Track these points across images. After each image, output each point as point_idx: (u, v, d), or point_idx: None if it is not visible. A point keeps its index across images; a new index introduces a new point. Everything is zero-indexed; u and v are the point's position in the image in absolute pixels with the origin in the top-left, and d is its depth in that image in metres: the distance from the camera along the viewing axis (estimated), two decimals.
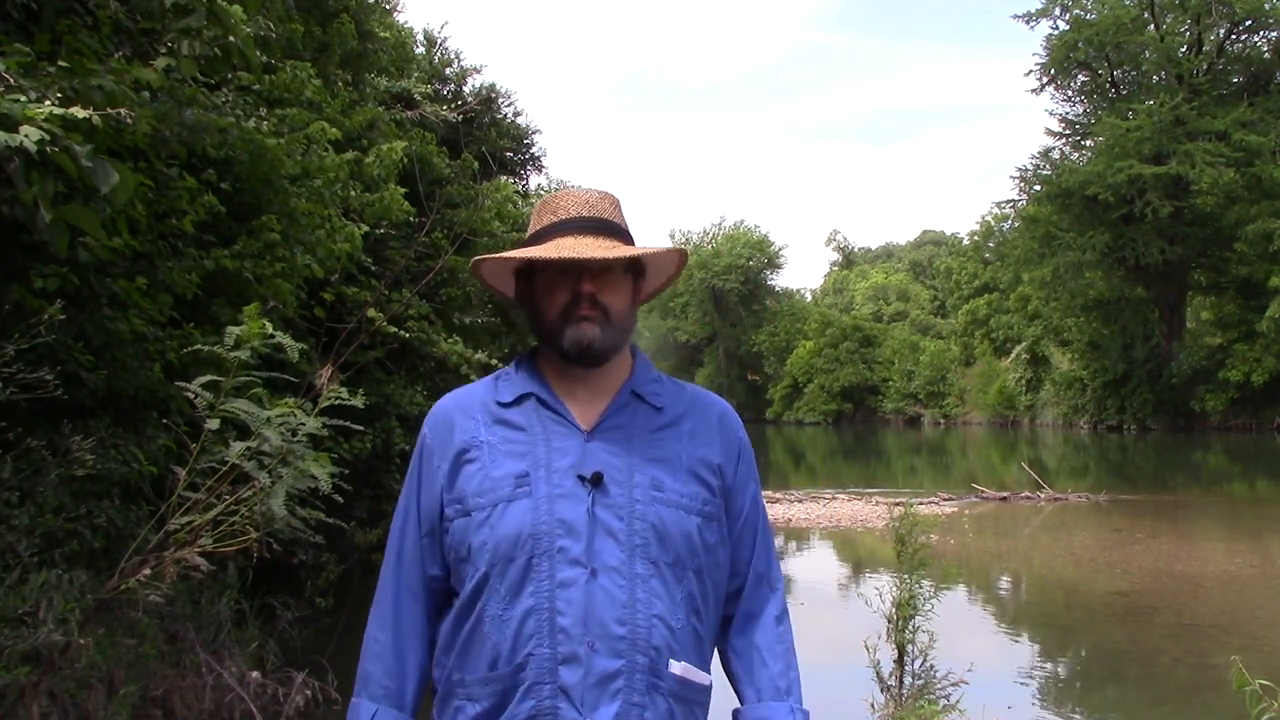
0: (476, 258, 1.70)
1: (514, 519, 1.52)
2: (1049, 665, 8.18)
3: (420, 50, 17.88)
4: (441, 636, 1.61)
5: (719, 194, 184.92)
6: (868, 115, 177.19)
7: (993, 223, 52.58)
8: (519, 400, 1.63)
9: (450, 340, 9.23)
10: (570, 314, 1.59)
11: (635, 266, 1.68)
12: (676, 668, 1.53)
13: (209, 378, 3.24)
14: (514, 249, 1.71)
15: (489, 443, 1.59)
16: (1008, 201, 48.14)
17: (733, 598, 1.70)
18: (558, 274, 1.61)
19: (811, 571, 12.78)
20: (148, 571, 3.24)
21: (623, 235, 1.66)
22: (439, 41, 19.74)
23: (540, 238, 1.65)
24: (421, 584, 1.63)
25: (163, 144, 4.47)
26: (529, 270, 1.67)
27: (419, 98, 13.43)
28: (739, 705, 1.68)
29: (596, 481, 1.54)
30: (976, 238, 58.50)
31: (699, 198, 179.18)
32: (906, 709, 5.56)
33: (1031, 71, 44.65)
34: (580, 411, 1.62)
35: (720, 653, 1.71)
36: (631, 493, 1.56)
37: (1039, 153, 45.74)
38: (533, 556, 1.50)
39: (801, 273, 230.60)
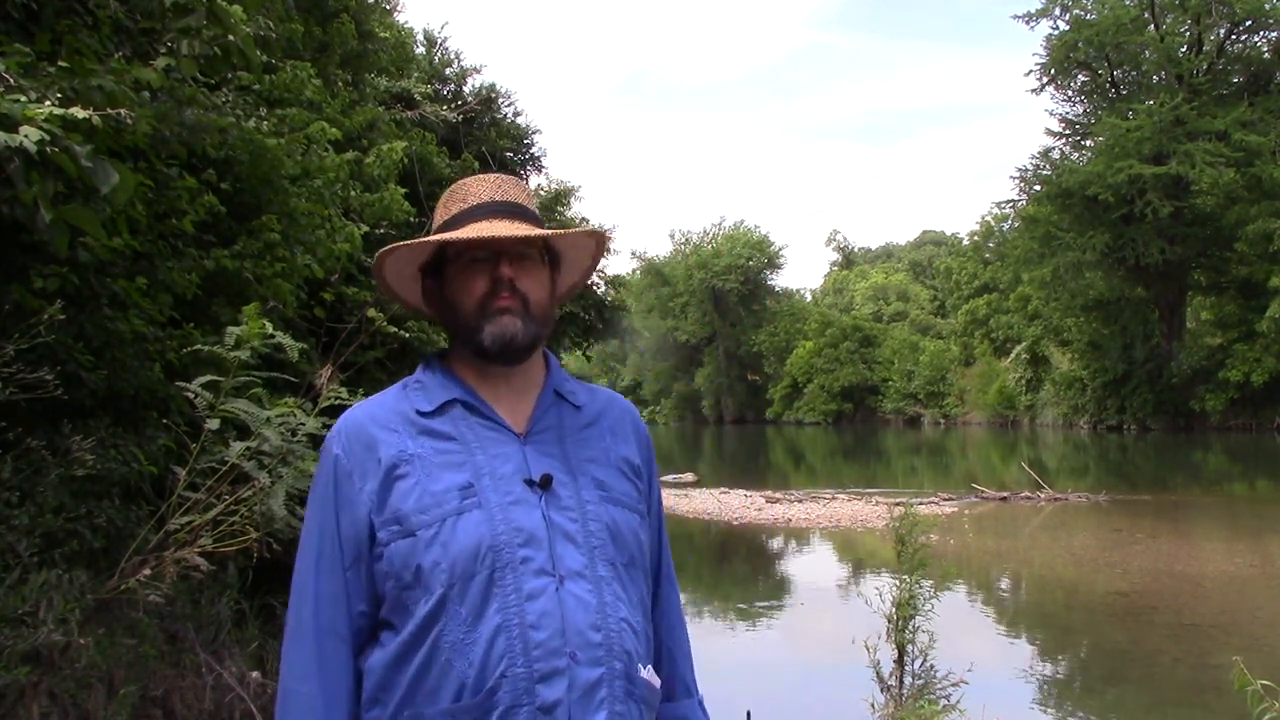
0: (383, 249, 1.56)
1: (469, 532, 1.40)
2: (1049, 665, 8.18)
3: (420, 50, 17.88)
4: (375, 677, 1.43)
5: (719, 194, 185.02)
6: (868, 115, 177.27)
7: (993, 223, 52.62)
8: (442, 408, 1.50)
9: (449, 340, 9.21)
10: (488, 305, 1.49)
11: (551, 257, 1.60)
12: (644, 672, 1.48)
13: (209, 378, 3.24)
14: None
15: (419, 455, 1.45)
16: (1008, 201, 48.23)
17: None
18: (472, 262, 1.51)
19: (811, 571, 12.78)
20: (148, 571, 3.24)
21: (536, 220, 1.58)
22: (439, 41, 19.75)
23: (449, 227, 1.55)
24: (347, 625, 1.44)
25: (163, 144, 4.47)
26: (438, 267, 1.57)
27: (419, 98, 13.44)
28: None
29: (546, 485, 1.46)
30: (976, 238, 58.52)
31: (699, 198, 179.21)
32: (906, 709, 5.56)
33: (1031, 71, 44.75)
34: (508, 414, 1.52)
35: None
36: (580, 494, 1.49)
37: (1039, 153, 45.82)
38: (494, 570, 1.39)
39: (801, 273, 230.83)
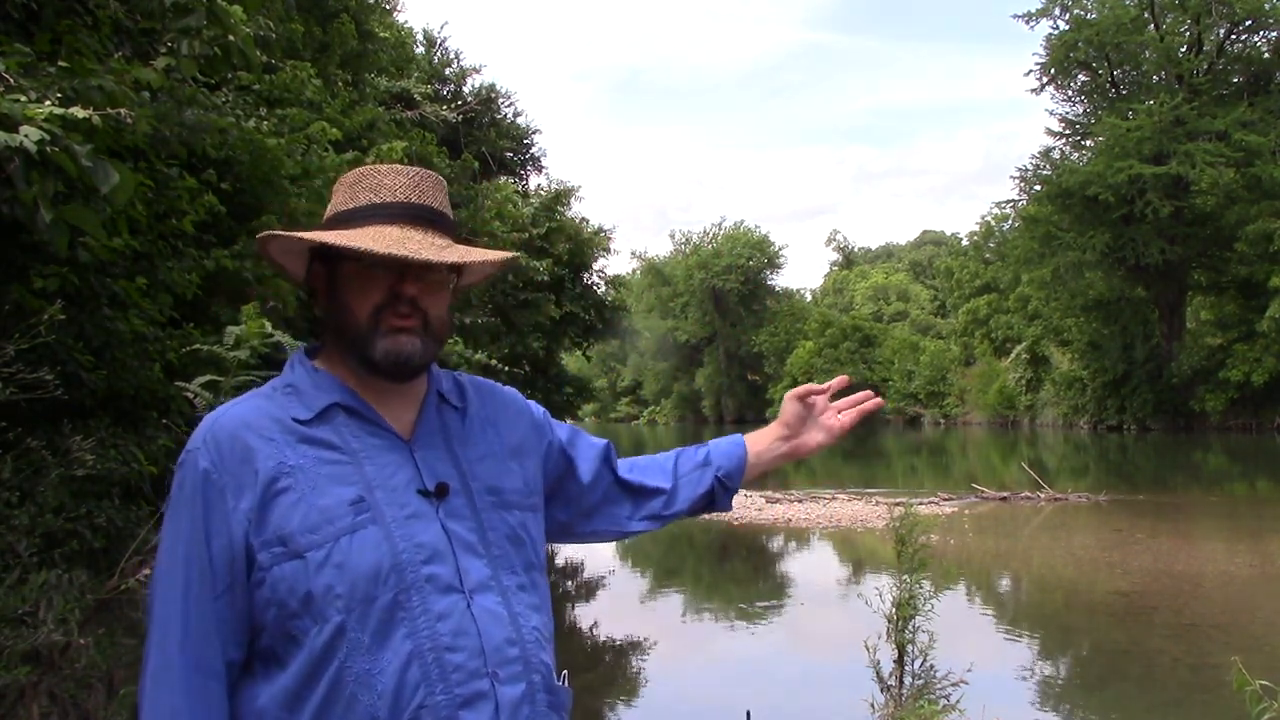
0: (266, 233, 1.40)
1: (366, 552, 1.26)
2: (1049, 665, 8.18)
3: (420, 50, 17.89)
4: (267, 714, 1.27)
5: (719, 194, 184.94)
6: (868, 115, 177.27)
7: (993, 223, 52.65)
8: (322, 414, 1.34)
9: (450, 340, 9.24)
10: (384, 319, 1.34)
11: (456, 266, 1.42)
12: (561, 679, 1.41)
13: (209, 377, 3.25)
14: (317, 228, 1.42)
15: (300, 467, 1.29)
16: (1008, 201, 48.31)
17: (612, 482, 1.65)
18: (371, 267, 1.33)
19: (811, 572, 12.78)
20: (147, 571, 3.24)
21: (452, 228, 1.42)
22: (439, 41, 19.76)
23: (353, 219, 1.37)
24: (221, 661, 1.27)
25: (163, 144, 4.47)
26: (329, 253, 1.38)
27: (419, 98, 13.44)
28: (675, 487, 1.66)
29: (442, 494, 1.34)
30: (976, 238, 58.55)
31: (699, 198, 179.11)
32: (906, 709, 5.56)
33: (1031, 71, 44.78)
34: (394, 419, 1.38)
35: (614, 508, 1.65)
36: (474, 500, 1.38)
37: (1039, 153, 45.88)
38: (398, 592, 1.26)
39: (801, 273, 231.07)
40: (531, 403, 1.62)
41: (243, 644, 1.29)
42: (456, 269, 1.43)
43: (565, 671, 1.43)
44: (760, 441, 1.75)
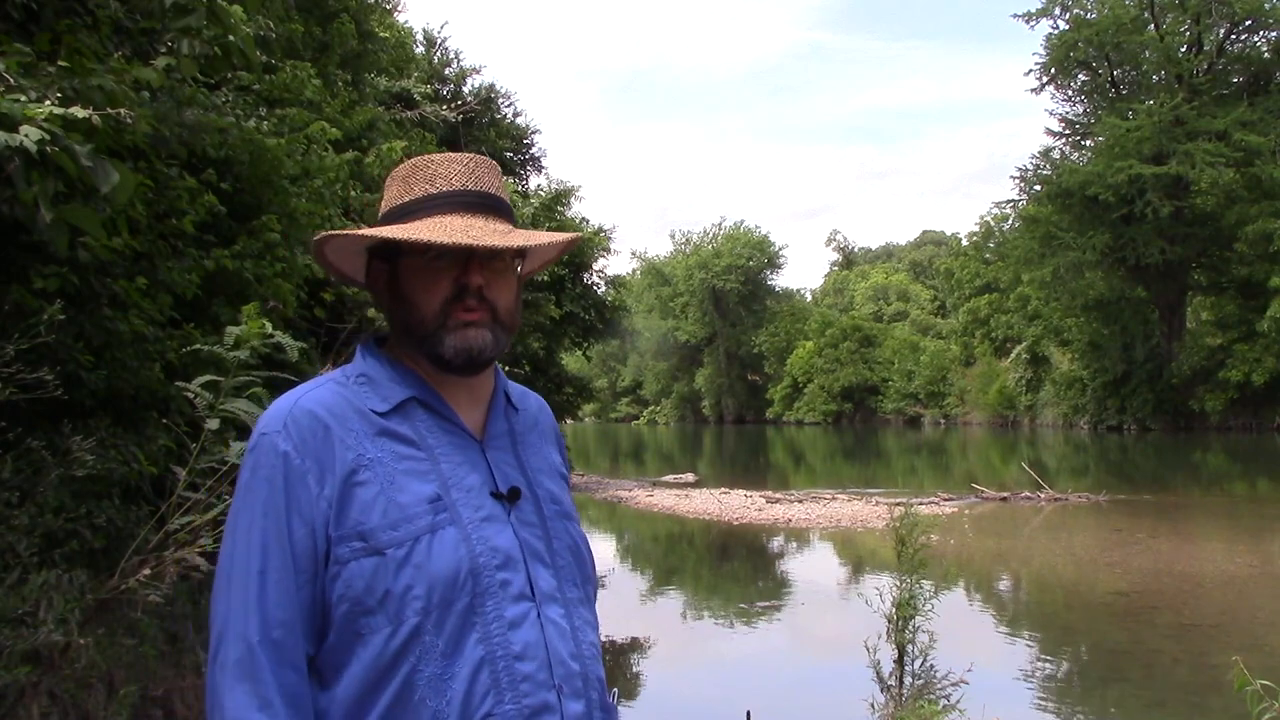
0: (322, 235, 1.36)
1: (446, 554, 1.22)
2: (1049, 665, 8.17)
3: (420, 50, 17.90)
4: (330, 716, 1.22)
5: (719, 194, 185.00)
6: (867, 115, 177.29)
7: (992, 223, 52.66)
8: (399, 407, 1.30)
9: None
10: (452, 313, 1.30)
11: (520, 251, 1.38)
12: (612, 696, 1.38)
13: (209, 378, 3.25)
14: (375, 225, 1.37)
15: (380, 460, 1.25)
16: (1008, 201, 48.32)
17: None
18: (435, 259, 1.30)
19: (812, 572, 12.78)
20: (148, 571, 3.24)
21: (511, 215, 1.38)
22: (439, 41, 19.78)
23: (411, 212, 1.33)
24: (303, 653, 1.22)
25: (163, 144, 4.47)
26: (390, 250, 1.34)
27: (419, 98, 13.44)
28: None
29: (514, 498, 1.31)
30: (976, 238, 58.58)
31: (699, 198, 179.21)
32: (906, 709, 5.56)
33: (1032, 71, 44.79)
34: (465, 417, 1.34)
35: None
36: (541, 509, 1.35)
37: (1039, 153, 45.91)
38: (474, 597, 1.23)
39: (801, 273, 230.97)
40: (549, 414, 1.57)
41: (316, 639, 1.23)
42: (520, 255, 1.39)
43: (615, 690, 1.43)
44: None
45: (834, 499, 18.21)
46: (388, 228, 1.32)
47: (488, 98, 22.16)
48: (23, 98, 2.72)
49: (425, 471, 1.27)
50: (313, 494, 1.22)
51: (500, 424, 1.38)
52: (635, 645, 8.75)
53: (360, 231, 1.34)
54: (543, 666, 1.24)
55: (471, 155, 1.39)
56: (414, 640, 1.20)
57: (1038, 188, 44.47)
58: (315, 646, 1.23)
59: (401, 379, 1.32)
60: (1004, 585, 11.79)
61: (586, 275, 22.56)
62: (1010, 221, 48.85)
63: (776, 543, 14.73)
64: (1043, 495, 18.08)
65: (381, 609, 1.20)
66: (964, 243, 64.90)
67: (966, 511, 16.75)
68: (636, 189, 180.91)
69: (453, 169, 1.35)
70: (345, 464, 1.24)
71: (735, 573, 12.87)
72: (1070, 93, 45.98)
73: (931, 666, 6.13)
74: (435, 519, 1.24)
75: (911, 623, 6.21)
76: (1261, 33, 40.85)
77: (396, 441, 1.28)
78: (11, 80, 2.83)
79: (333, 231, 1.37)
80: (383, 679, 1.20)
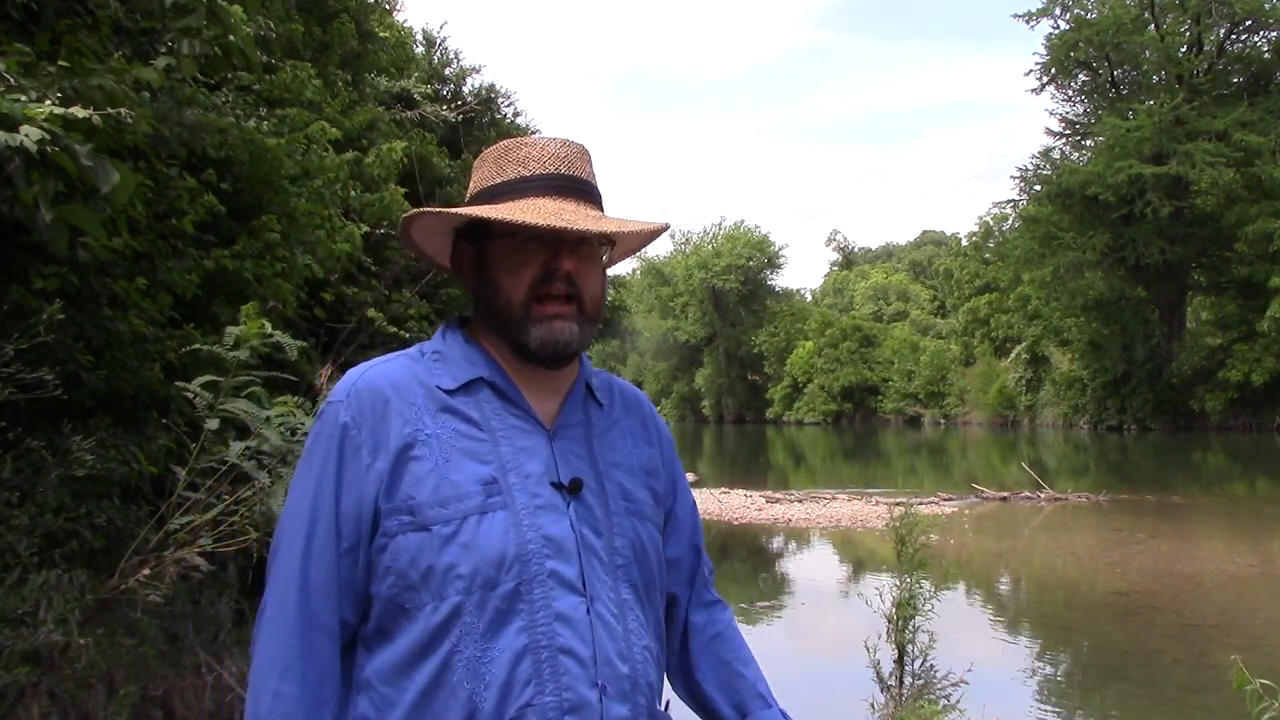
0: (413, 211, 1.34)
1: (494, 536, 1.20)
2: (1049, 665, 8.17)
3: (420, 50, 17.90)
4: (371, 693, 1.23)
5: (719, 194, 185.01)
6: (868, 115, 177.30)
7: (991, 223, 52.66)
8: (466, 386, 1.29)
9: None
10: (540, 302, 1.28)
11: (607, 238, 1.35)
12: (664, 705, 1.35)
13: (208, 378, 3.25)
14: (469, 204, 1.35)
15: (438, 436, 1.24)
16: (1008, 201, 48.36)
17: (675, 604, 1.49)
18: (525, 242, 1.28)
19: (811, 571, 12.78)
20: (148, 571, 3.24)
21: (600, 200, 1.36)
22: (439, 41, 19.76)
23: (503, 194, 1.30)
24: (337, 621, 1.23)
25: (163, 144, 4.47)
26: (478, 231, 1.32)
27: (419, 98, 13.44)
28: None
29: (576, 490, 1.28)
30: (976, 238, 58.58)
31: (699, 198, 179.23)
32: (906, 709, 5.56)
33: (1032, 71, 44.79)
34: (538, 405, 1.32)
35: (670, 668, 1.48)
36: (607, 503, 1.31)
37: (1039, 153, 45.91)
38: (520, 583, 1.20)
39: (801, 273, 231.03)
40: (667, 432, 1.53)
41: (359, 606, 1.24)
42: (609, 243, 1.36)
43: (668, 699, 1.37)
44: None
45: (834, 499, 18.21)
46: (479, 207, 1.29)
47: (488, 98, 22.12)
48: (23, 98, 2.72)
49: (484, 453, 1.25)
50: (363, 465, 1.23)
51: (575, 414, 1.35)
52: None
53: (452, 210, 1.32)
54: (588, 663, 1.21)
55: (565, 140, 1.36)
56: (454, 619, 1.19)
57: (1038, 188, 44.47)
58: (358, 614, 1.25)
59: (475, 360, 1.31)
60: (1004, 585, 11.79)
61: None
62: (1010, 221, 48.88)
63: (776, 542, 14.73)
64: (1043, 495, 18.08)
65: (425, 585, 1.20)
66: (964, 243, 64.95)
67: (966, 511, 16.74)
68: (637, 188, 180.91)
69: (546, 152, 1.32)
70: (401, 438, 1.23)
71: (735, 572, 12.86)
72: (1070, 93, 46.01)
73: (931, 666, 6.12)
74: (487, 500, 1.22)
75: (911, 623, 6.21)
76: (1261, 33, 40.86)
77: (459, 420, 1.26)
78: (11, 80, 2.83)
79: (422, 209, 1.34)
80: (422, 655, 1.20)
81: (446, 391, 1.28)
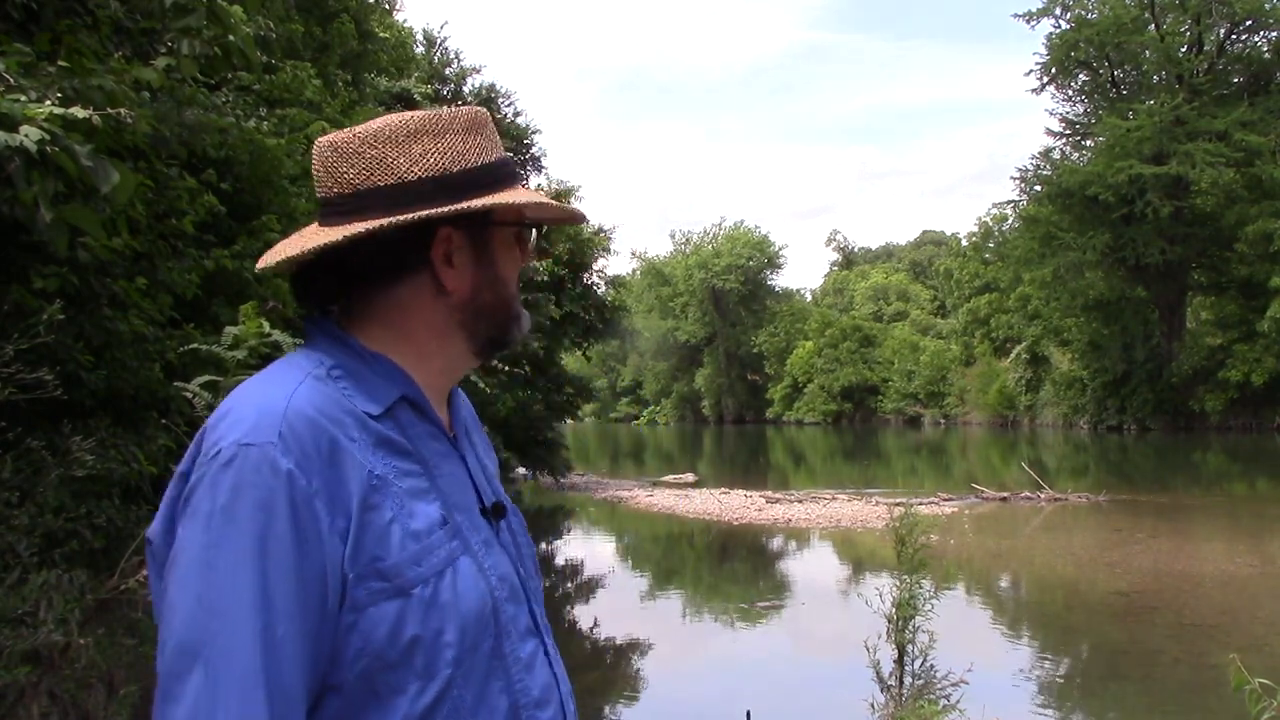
0: (514, 198, 1.11)
1: (469, 589, 1.03)
2: (1049, 665, 8.18)
3: (420, 50, 17.91)
4: None
5: (719, 194, 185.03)
6: (868, 115, 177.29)
7: (991, 223, 52.66)
8: (390, 410, 1.06)
9: None
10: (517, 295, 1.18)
11: None
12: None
13: (208, 378, 3.25)
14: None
15: (384, 478, 1.01)
16: (1008, 202, 48.32)
17: None
18: (523, 232, 1.17)
19: (812, 572, 12.79)
20: (148, 572, 3.24)
21: None
22: (439, 41, 19.77)
23: (504, 177, 1.13)
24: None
25: (163, 144, 4.48)
26: (479, 218, 1.12)
27: (419, 98, 13.44)
28: None
29: (499, 515, 1.13)
30: (976, 238, 58.59)
31: (699, 198, 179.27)
32: (906, 709, 5.56)
33: (1032, 71, 44.78)
34: (439, 414, 1.15)
35: None
36: (513, 522, 1.17)
37: (1039, 153, 45.94)
38: (495, 639, 1.05)
39: (801, 273, 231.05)
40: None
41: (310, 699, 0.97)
42: None
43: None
44: None
45: (834, 499, 18.22)
46: (519, 193, 1.13)
47: (488, 98, 22.16)
48: (23, 98, 2.72)
49: (426, 489, 1.05)
50: (322, 524, 0.95)
51: (458, 424, 1.18)
52: (635, 645, 8.75)
53: (517, 200, 1.11)
54: (558, 710, 1.10)
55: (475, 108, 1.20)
56: (444, 697, 0.99)
57: (1038, 188, 44.48)
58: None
59: (389, 373, 1.08)
60: (1004, 585, 11.79)
61: (586, 275, 22.57)
62: (1010, 221, 48.88)
63: (776, 543, 14.73)
64: (1043, 495, 18.08)
65: (407, 663, 0.97)
66: (964, 243, 64.97)
67: (966, 511, 16.75)
68: (636, 189, 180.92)
69: (494, 130, 1.18)
70: (360, 484, 0.98)
71: (735, 573, 12.87)
72: (1070, 93, 46.02)
73: (931, 666, 6.12)
74: (451, 546, 1.03)
75: (911, 623, 6.21)
76: (1262, 33, 40.88)
77: (395, 454, 1.03)
78: (11, 80, 2.83)
79: (484, 203, 1.09)
80: None
81: (374, 418, 1.04)
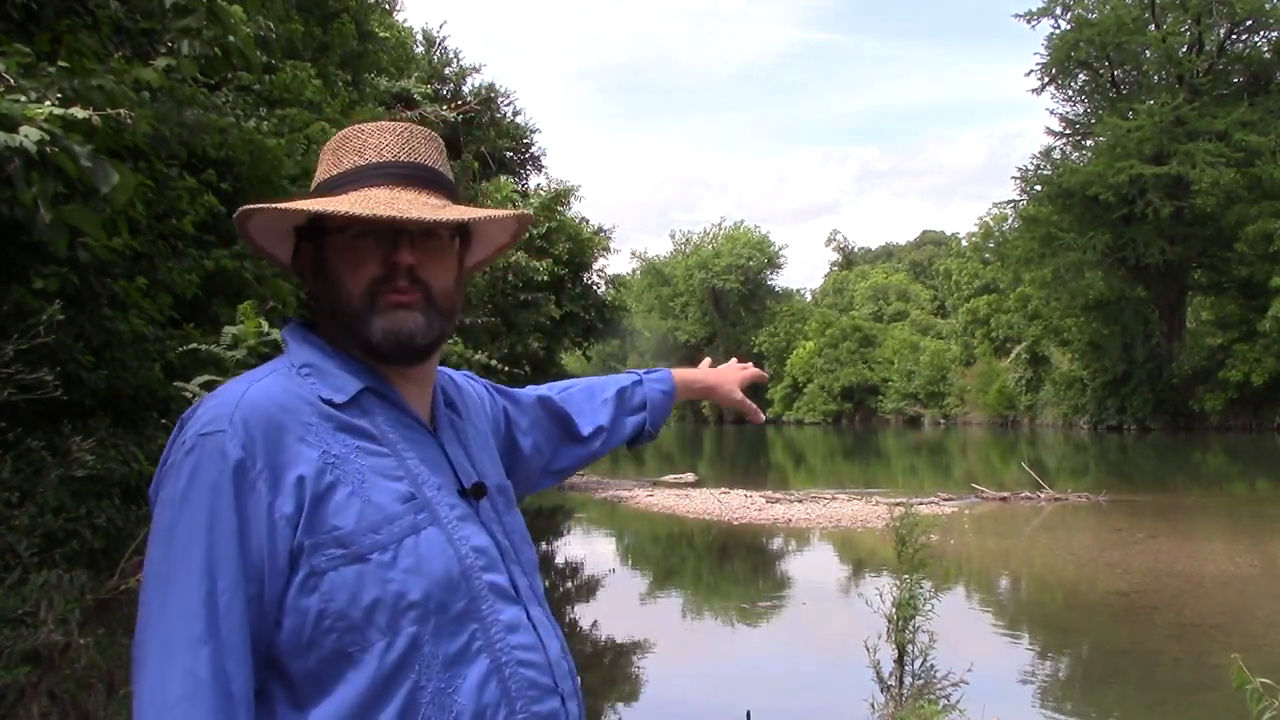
0: (245, 208, 1.22)
1: (435, 555, 1.13)
2: (1049, 665, 8.17)
3: (420, 50, 17.90)
4: None
5: (719, 194, 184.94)
6: (868, 115, 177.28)
7: (991, 223, 52.66)
8: (355, 399, 1.17)
9: (450, 341, 9.23)
10: (381, 295, 1.18)
11: (462, 231, 1.27)
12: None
13: (208, 377, 3.25)
14: (301, 199, 1.24)
15: (344, 458, 1.12)
16: (1008, 202, 48.28)
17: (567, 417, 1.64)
18: (361, 236, 1.18)
19: (812, 572, 12.78)
20: None
21: (451, 189, 1.26)
22: (438, 41, 19.76)
23: (337, 186, 1.20)
24: (252, 688, 1.07)
25: (163, 144, 4.48)
26: (316, 229, 1.21)
27: (419, 97, 13.44)
28: (596, 425, 1.65)
29: (479, 494, 1.23)
30: (976, 238, 58.59)
31: (699, 198, 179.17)
32: (906, 709, 5.56)
33: (1032, 71, 44.76)
34: (415, 407, 1.24)
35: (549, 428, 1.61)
36: (495, 500, 1.27)
37: (1040, 153, 45.91)
38: (469, 600, 1.14)
39: (801, 273, 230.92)
40: (473, 378, 1.52)
41: (259, 666, 1.08)
42: (463, 238, 1.28)
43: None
44: (687, 377, 1.85)
45: (834, 499, 18.21)
46: (303, 200, 1.20)
47: (487, 97, 22.15)
48: (23, 98, 2.72)
49: (393, 469, 1.15)
50: (263, 503, 1.07)
51: (444, 415, 1.28)
52: (635, 645, 8.74)
53: (275, 205, 1.20)
54: (544, 671, 1.18)
55: (407, 125, 1.27)
56: (413, 653, 1.09)
57: (1038, 188, 44.46)
58: (259, 679, 1.09)
59: (353, 368, 1.19)
60: (1004, 585, 11.79)
61: (586, 275, 22.56)
62: (1010, 221, 48.84)
63: (776, 543, 14.73)
64: (1043, 495, 18.08)
65: (371, 622, 1.08)
66: (964, 243, 64.98)
67: (966, 511, 16.74)
68: (636, 189, 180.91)
69: (384, 139, 1.22)
70: (310, 463, 1.10)
71: (735, 573, 12.87)
72: (1071, 93, 45.99)
73: (931, 666, 6.12)
74: (416, 518, 1.13)
75: (911, 623, 6.21)
76: (1262, 33, 40.85)
77: (358, 437, 1.15)
78: (11, 80, 2.83)
79: (251, 206, 1.21)
80: (379, 701, 1.08)
81: (337, 407, 1.15)
